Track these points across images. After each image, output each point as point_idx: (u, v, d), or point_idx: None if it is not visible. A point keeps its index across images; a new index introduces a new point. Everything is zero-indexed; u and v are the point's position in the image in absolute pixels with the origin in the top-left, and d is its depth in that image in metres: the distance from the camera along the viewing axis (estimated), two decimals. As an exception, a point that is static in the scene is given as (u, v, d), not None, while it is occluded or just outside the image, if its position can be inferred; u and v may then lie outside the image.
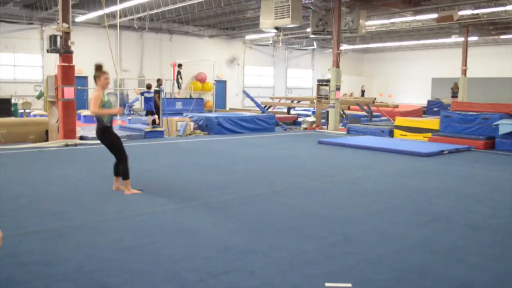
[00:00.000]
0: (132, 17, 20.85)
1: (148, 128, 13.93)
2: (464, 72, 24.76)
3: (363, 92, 32.43)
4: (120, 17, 17.24)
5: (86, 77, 22.94)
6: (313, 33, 18.40)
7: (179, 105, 19.08)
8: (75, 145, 11.49)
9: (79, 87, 16.82)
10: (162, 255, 4.11)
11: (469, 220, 5.47)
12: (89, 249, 4.23)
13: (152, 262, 3.94)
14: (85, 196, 6.28)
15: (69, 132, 11.79)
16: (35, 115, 17.35)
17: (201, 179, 7.59)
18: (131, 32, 24.57)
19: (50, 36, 11.76)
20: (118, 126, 15.88)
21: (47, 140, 12.19)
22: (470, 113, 13.15)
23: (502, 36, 26.99)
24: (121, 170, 6.41)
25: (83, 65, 21.73)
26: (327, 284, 3.56)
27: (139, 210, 5.58)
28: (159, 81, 15.76)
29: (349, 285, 3.56)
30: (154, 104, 14.79)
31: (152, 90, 15.04)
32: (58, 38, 11.68)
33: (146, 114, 14.95)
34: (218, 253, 4.17)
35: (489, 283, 3.69)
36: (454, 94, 26.04)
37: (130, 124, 15.86)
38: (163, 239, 4.56)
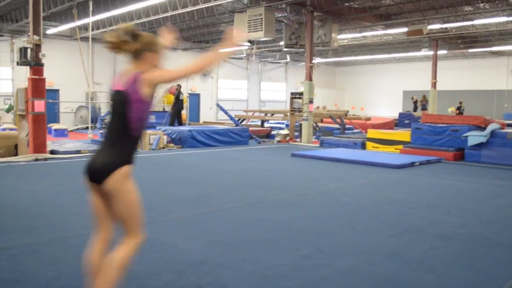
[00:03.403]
0: (104, 29, 20.72)
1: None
2: (434, 85, 25.26)
3: None
4: (93, 29, 17.11)
5: (57, 90, 22.66)
6: (286, 46, 18.59)
7: (152, 119, 18.97)
8: (46, 159, 11.29)
9: (50, 100, 16.57)
10: (135, 270, 4.04)
11: (440, 230, 5.55)
12: (58, 265, 4.15)
13: (124, 278, 3.87)
14: (54, 211, 6.17)
15: (39, 146, 11.56)
16: (4, 129, 16.95)
17: (174, 193, 7.53)
18: (103, 44, 24.35)
19: (21, 49, 11.55)
20: (89, 140, 15.70)
21: (16, 154, 11.94)
22: (440, 125, 13.39)
23: (470, 50, 27.65)
24: None
25: (54, 78, 21.51)
26: (300, 297, 3.56)
27: (111, 225, 5.49)
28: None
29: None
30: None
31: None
32: (29, 51, 11.49)
33: None
34: (190, 268, 4.14)
35: (459, 292, 3.74)
36: (424, 107, 26.60)
37: (102, 138, 15.66)
38: (135, 254, 4.48)
